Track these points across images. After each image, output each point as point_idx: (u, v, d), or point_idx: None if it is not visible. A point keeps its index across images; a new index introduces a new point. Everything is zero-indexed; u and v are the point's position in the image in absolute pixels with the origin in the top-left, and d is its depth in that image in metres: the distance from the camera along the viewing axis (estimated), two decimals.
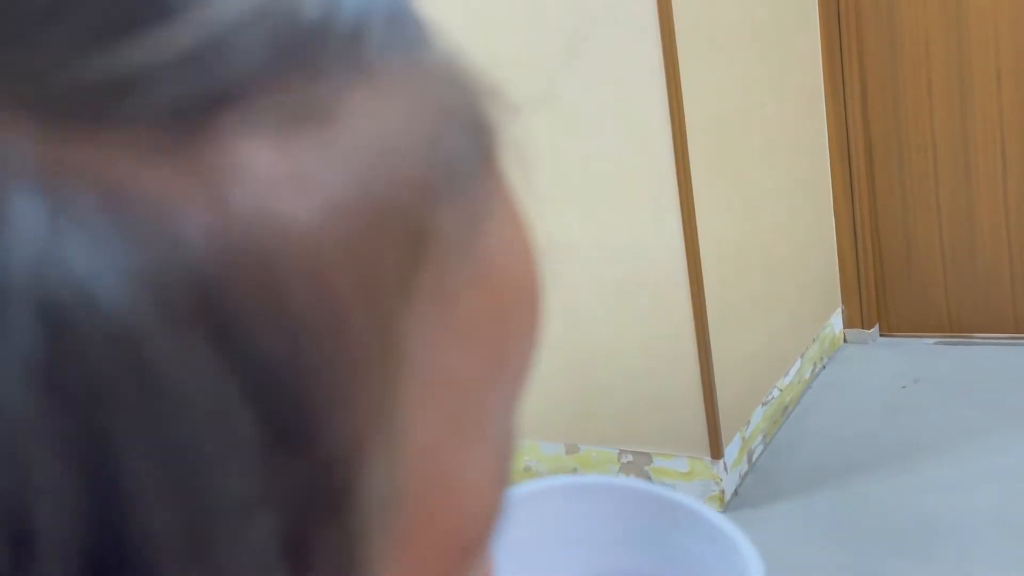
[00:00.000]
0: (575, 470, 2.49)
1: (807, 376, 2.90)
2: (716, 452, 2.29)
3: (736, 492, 2.37)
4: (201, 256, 0.13)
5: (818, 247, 3.07)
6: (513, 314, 0.18)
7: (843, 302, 3.21)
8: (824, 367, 3.04)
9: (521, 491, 0.33)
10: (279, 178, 0.14)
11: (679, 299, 2.22)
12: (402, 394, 0.15)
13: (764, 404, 2.58)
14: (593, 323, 2.35)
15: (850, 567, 2.00)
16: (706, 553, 0.32)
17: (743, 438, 2.44)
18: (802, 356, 2.87)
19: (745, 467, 2.44)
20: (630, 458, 2.40)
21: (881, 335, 3.22)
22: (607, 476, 0.35)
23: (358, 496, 0.14)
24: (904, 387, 2.80)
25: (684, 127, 2.11)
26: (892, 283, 3.17)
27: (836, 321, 3.18)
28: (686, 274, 2.19)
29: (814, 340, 2.98)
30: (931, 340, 3.10)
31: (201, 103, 0.13)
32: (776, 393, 2.66)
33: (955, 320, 3.08)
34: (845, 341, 3.23)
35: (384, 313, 0.14)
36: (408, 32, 0.17)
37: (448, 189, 0.16)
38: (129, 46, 0.13)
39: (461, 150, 0.16)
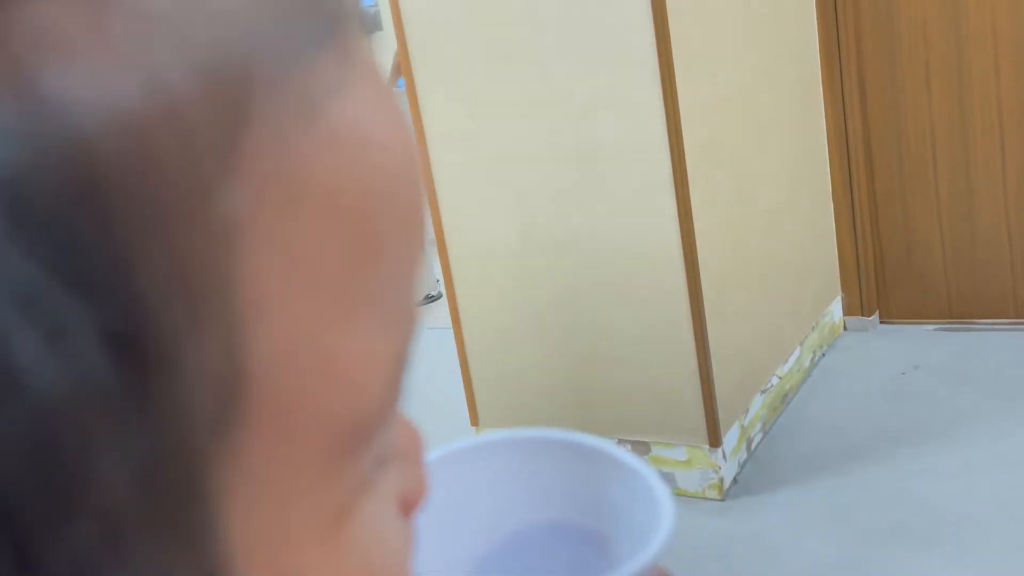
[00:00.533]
0: None
1: (807, 364, 2.89)
2: (714, 440, 2.28)
3: (735, 480, 2.36)
4: (10, 149, 0.12)
5: (817, 234, 3.05)
6: (377, 188, 0.17)
7: (843, 289, 3.20)
8: (824, 355, 3.03)
9: (442, 453, 0.33)
10: (93, 51, 0.13)
11: (675, 288, 2.21)
12: (241, 264, 0.14)
13: (763, 392, 2.57)
14: (590, 313, 2.35)
15: (850, 554, 1.99)
16: (626, 498, 0.32)
17: (742, 426, 2.43)
18: (801, 344, 2.86)
19: (744, 455, 2.43)
20: (629, 447, 2.39)
21: (881, 322, 3.20)
22: (523, 429, 0.34)
23: (188, 370, 0.14)
24: (904, 374, 2.79)
25: (678, 113, 2.09)
26: (892, 270, 3.15)
27: (836, 308, 3.17)
28: (682, 262, 2.18)
29: (814, 328, 2.97)
30: (931, 326, 3.09)
31: None
32: (775, 381, 2.65)
33: (955, 306, 3.06)
34: (845, 328, 3.21)
35: (205, 177, 0.14)
36: None
37: (281, 53, 0.15)
38: None
39: (296, 16, 0.16)
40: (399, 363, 0.18)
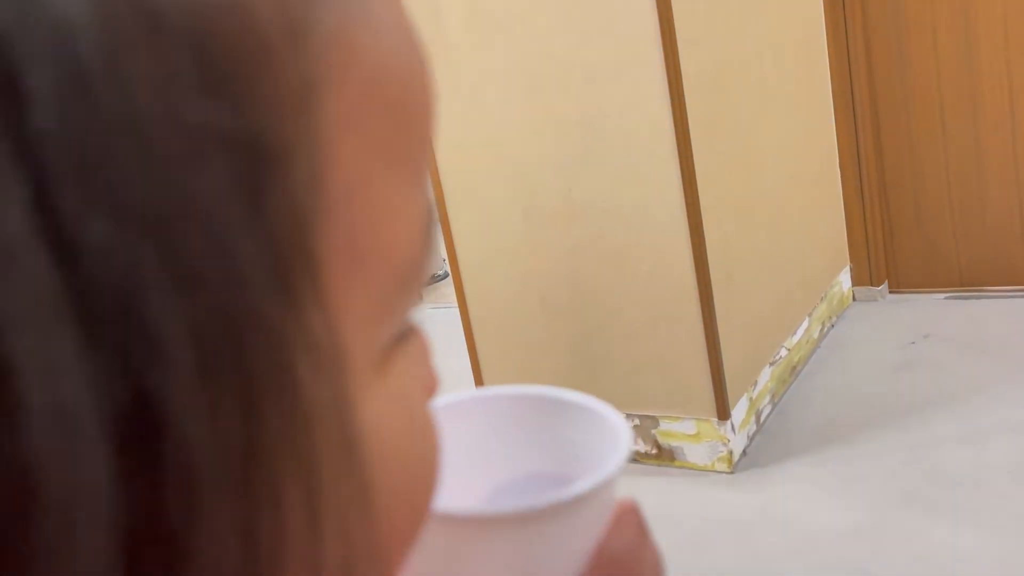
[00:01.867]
0: None
1: (815, 335, 2.88)
2: (723, 413, 2.26)
3: (744, 452, 2.35)
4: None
5: (824, 203, 3.03)
6: (403, 64, 0.20)
7: (851, 259, 3.17)
8: (833, 325, 3.01)
9: None
10: None
11: (681, 260, 2.19)
12: (320, 99, 0.18)
13: (772, 364, 2.56)
14: (595, 287, 2.33)
15: (861, 524, 1.98)
16: (592, 441, 0.35)
17: (751, 399, 2.41)
18: (810, 315, 2.84)
19: (753, 427, 2.42)
20: (637, 422, 2.38)
21: (890, 292, 3.18)
22: (490, 388, 0.37)
23: (288, 177, 0.17)
24: (914, 343, 2.77)
25: (681, 83, 2.06)
26: (900, 238, 3.12)
27: (844, 279, 3.15)
28: (688, 235, 2.16)
29: (822, 298, 2.95)
30: (941, 295, 3.06)
31: None
32: (784, 353, 2.64)
33: (965, 274, 3.04)
34: (854, 299, 3.19)
35: (298, 27, 0.17)
36: None
37: None
38: None
39: None
40: (428, 220, 0.22)
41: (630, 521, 0.34)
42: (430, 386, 0.26)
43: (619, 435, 0.34)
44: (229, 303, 0.16)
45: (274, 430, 0.16)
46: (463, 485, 0.36)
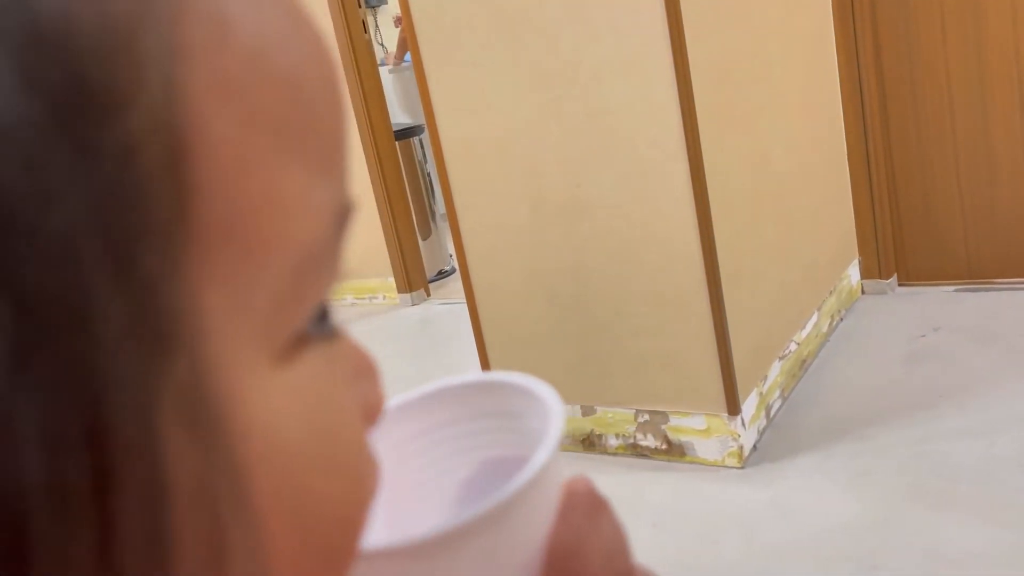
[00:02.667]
0: (591, 431, 2.48)
1: (825, 329, 2.87)
2: (733, 408, 2.26)
3: (755, 447, 2.34)
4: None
5: (833, 196, 3.02)
6: (296, 46, 0.20)
7: (860, 252, 3.16)
8: (842, 319, 3.00)
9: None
10: None
11: (690, 254, 2.19)
12: (180, 61, 0.17)
13: (781, 358, 2.55)
14: (604, 282, 2.33)
15: (870, 517, 1.98)
16: (539, 424, 0.35)
17: (760, 393, 2.41)
18: (819, 308, 2.84)
19: (763, 422, 2.42)
20: (647, 417, 2.38)
21: (900, 285, 3.17)
22: (444, 380, 0.37)
23: (125, 127, 0.16)
24: (924, 336, 2.76)
25: (689, 76, 2.06)
26: (909, 231, 3.11)
27: (853, 272, 3.14)
28: (696, 228, 2.16)
29: (831, 292, 2.94)
30: (951, 288, 3.05)
31: None
32: (793, 347, 2.63)
33: (975, 266, 3.02)
34: (863, 292, 3.18)
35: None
36: None
37: None
38: None
39: None
40: (338, 214, 0.21)
41: (576, 505, 0.31)
42: (372, 407, 0.25)
43: (552, 415, 0.33)
44: (45, 244, 0.15)
45: (117, 386, 0.15)
46: (428, 489, 0.36)
